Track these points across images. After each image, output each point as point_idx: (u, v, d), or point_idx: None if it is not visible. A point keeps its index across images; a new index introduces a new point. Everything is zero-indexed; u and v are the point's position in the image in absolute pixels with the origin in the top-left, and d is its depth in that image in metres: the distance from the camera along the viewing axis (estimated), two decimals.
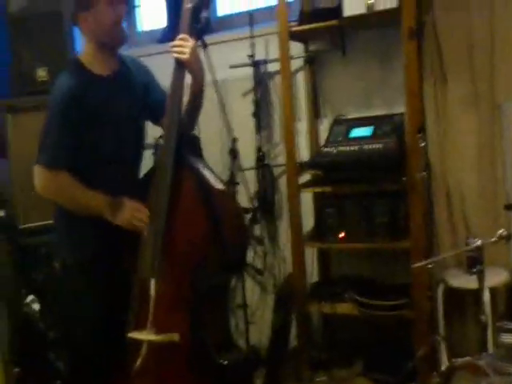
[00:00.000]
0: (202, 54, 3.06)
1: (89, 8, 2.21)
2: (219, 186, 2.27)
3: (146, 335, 2.13)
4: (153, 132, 2.68)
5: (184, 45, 2.20)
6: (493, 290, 2.68)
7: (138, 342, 2.15)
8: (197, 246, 2.16)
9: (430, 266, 2.53)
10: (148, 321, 2.14)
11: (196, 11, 2.27)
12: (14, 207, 3.29)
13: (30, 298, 3.21)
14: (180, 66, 2.23)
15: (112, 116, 2.28)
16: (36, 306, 3.21)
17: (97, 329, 2.28)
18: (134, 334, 2.16)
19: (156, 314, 2.15)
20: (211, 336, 2.21)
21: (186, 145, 2.26)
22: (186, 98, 2.30)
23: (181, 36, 2.22)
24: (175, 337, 2.11)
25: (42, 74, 3.31)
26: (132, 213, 2.19)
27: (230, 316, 3.59)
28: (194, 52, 2.22)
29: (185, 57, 2.20)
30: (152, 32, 4.00)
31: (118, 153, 2.30)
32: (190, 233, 2.18)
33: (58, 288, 2.53)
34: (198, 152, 2.35)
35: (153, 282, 2.16)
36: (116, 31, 2.26)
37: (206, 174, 2.25)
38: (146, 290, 2.17)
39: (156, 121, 2.43)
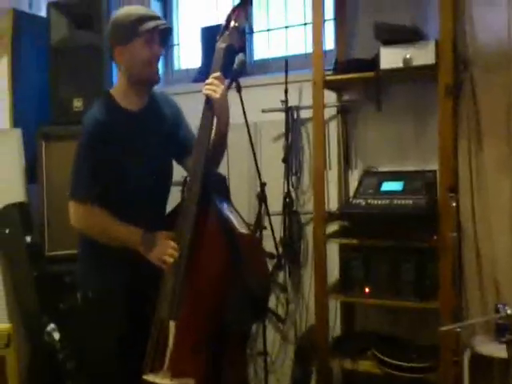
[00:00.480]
0: (236, 96, 3.13)
1: (126, 43, 2.24)
2: (243, 229, 2.24)
3: (161, 379, 2.11)
4: (181, 169, 2.66)
5: (216, 83, 2.22)
6: None
7: None
8: (218, 289, 2.14)
9: (457, 329, 2.46)
10: (164, 364, 2.12)
11: (229, 52, 2.30)
12: (42, 234, 3.33)
13: (51, 326, 3.22)
14: (209, 104, 2.24)
15: (139, 151, 2.29)
16: (56, 335, 3.21)
17: (114, 364, 2.26)
18: (150, 377, 2.14)
19: (173, 357, 2.13)
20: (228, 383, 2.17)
21: (212, 184, 2.25)
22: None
23: (214, 75, 2.24)
24: (190, 382, 2.09)
25: (77, 104, 3.39)
26: (165, 249, 2.18)
27: (250, 363, 3.54)
28: (224, 92, 2.24)
29: (215, 96, 2.21)
30: (188, 71, 4.04)
31: (144, 188, 2.30)
32: (212, 275, 2.17)
33: (78, 319, 2.52)
34: (224, 192, 2.34)
35: (172, 324, 2.14)
36: (150, 70, 2.29)
37: (231, 216, 2.24)
38: (163, 331, 2.15)
39: (180, 160, 2.44)
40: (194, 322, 2.16)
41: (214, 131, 2.29)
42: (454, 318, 2.65)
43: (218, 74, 2.25)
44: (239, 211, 3.31)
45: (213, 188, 2.24)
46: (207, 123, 2.24)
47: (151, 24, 2.24)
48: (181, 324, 2.15)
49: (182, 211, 2.22)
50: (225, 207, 2.25)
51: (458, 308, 2.71)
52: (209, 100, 2.24)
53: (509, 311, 1.99)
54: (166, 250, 2.18)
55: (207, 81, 2.25)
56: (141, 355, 2.19)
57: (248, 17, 2.44)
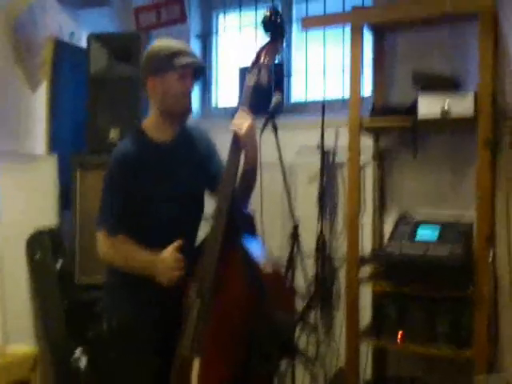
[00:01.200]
0: (272, 136, 3.17)
1: (160, 74, 2.25)
2: (268, 267, 2.19)
3: None
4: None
5: (242, 119, 2.21)
6: None
7: None
8: (241, 328, 2.10)
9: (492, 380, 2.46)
10: None
11: (257, 89, 2.27)
12: (73, 260, 3.36)
13: (78, 353, 3.25)
14: (235, 140, 2.22)
15: (168, 182, 2.29)
16: (83, 363, 3.24)
17: None
18: None
19: None
20: None
21: (238, 221, 2.22)
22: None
23: (240, 112, 2.23)
24: None
25: (113, 134, 3.43)
26: (169, 264, 2.15)
27: None
28: (250, 129, 2.21)
29: (241, 131, 2.19)
30: (226, 109, 4.09)
31: (173, 218, 2.29)
32: (235, 313, 2.11)
33: (104, 348, 2.53)
34: (251, 230, 2.30)
35: (195, 362, 2.11)
36: (181, 102, 2.29)
37: (256, 254, 2.19)
38: (185, 367, 2.12)
39: (212, 193, 2.42)
40: (214, 360, 2.12)
41: (242, 167, 2.28)
42: (488, 368, 2.65)
43: (244, 108, 2.24)
44: (272, 251, 3.37)
45: (239, 225, 2.21)
46: (234, 159, 2.22)
47: (187, 60, 2.25)
48: (204, 363, 2.11)
49: (206, 247, 2.19)
50: (250, 245, 2.20)
51: (494, 359, 2.70)
52: (236, 137, 2.22)
53: None
54: (169, 265, 2.15)
55: (234, 118, 2.25)
56: None
57: (278, 54, 2.38)
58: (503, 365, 2.83)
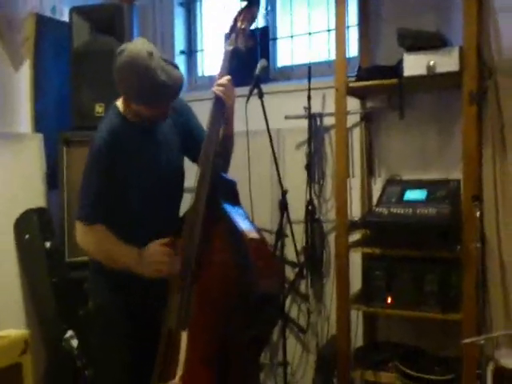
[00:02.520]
0: (258, 102, 3.12)
1: (135, 102, 2.16)
2: (252, 234, 2.17)
3: None
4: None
5: (229, 87, 2.21)
6: None
7: None
8: (226, 296, 2.07)
9: (481, 342, 2.41)
10: (173, 374, 2.07)
11: (236, 54, 2.27)
12: (62, 240, 3.32)
13: (69, 333, 3.22)
14: (219, 105, 2.21)
15: (151, 162, 2.26)
16: (74, 343, 3.21)
17: (126, 372, 2.24)
18: None
19: (183, 367, 2.07)
20: None
21: (221, 188, 2.20)
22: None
23: (226, 78, 2.22)
24: None
25: (99, 109, 3.37)
26: (156, 258, 2.14)
27: (270, 373, 3.51)
28: (231, 92, 2.23)
29: (228, 100, 2.21)
30: (212, 77, 4.02)
31: (157, 197, 2.27)
32: (220, 282, 2.10)
33: (91, 326, 2.52)
34: (234, 197, 2.27)
35: (182, 335, 2.09)
36: (156, 120, 2.25)
37: (239, 220, 2.17)
38: (172, 341, 2.11)
39: (195, 160, 2.37)
40: (204, 332, 2.10)
41: (222, 136, 2.26)
42: (477, 330, 2.60)
43: (229, 77, 2.23)
44: (261, 219, 3.33)
45: (222, 192, 2.19)
46: (216, 124, 2.20)
47: (162, 99, 2.14)
48: (192, 334, 2.09)
49: (189, 216, 2.17)
50: (234, 212, 2.19)
51: (482, 320, 2.65)
52: (218, 101, 2.20)
53: None
54: (156, 259, 2.14)
55: (220, 81, 2.21)
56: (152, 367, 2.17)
57: (255, 18, 2.34)
58: (492, 326, 2.78)
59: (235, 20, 2.30)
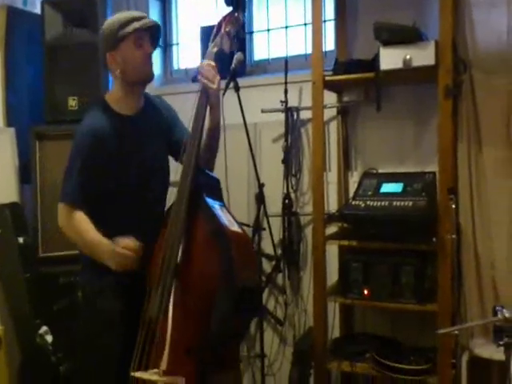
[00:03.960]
0: (234, 96, 3.12)
1: (115, 48, 2.25)
2: (233, 227, 2.21)
3: (149, 375, 2.10)
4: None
5: (213, 74, 2.24)
6: None
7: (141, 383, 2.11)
8: (207, 288, 2.10)
9: (455, 332, 2.45)
10: (152, 362, 2.11)
11: (219, 56, 2.33)
12: (36, 235, 3.28)
13: (44, 329, 3.18)
14: (204, 94, 2.24)
15: (135, 154, 2.29)
16: (49, 338, 3.18)
17: (110, 363, 2.23)
18: (137, 373, 2.12)
19: (164, 356, 2.11)
20: None
21: (204, 184, 2.23)
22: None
23: (210, 63, 2.26)
24: (179, 381, 2.07)
25: (72, 103, 3.34)
26: (118, 252, 2.12)
27: (247, 365, 3.52)
28: (219, 85, 2.27)
29: (213, 86, 2.24)
30: (187, 70, 4.03)
31: (141, 189, 2.30)
32: (201, 274, 2.13)
33: (77, 317, 2.50)
34: (216, 193, 2.31)
35: (162, 322, 2.13)
36: (144, 69, 2.30)
37: (221, 214, 2.21)
38: (153, 329, 2.13)
39: (177, 158, 2.41)
40: (182, 321, 2.14)
41: (208, 126, 2.29)
42: (452, 320, 2.65)
43: (213, 63, 2.27)
44: (238, 212, 3.32)
45: (205, 187, 2.22)
46: (201, 114, 2.24)
47: (135, 25, 2.24)
48: (174, 325, 2.13)
49: (173, 209, 2.20)
50: (216, 206, 2.22)
51: (457, 310, 2.70)
52: (204, 90, 2.25)
53: (507, 314, 1.97)
54: (117, 254, 2.12)
55: (203, 62, 2.26)
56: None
57: (240, 22, 2.42)
58: (467, 316, 2.83)
59: (220, 24, 2.37)
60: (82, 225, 2.21)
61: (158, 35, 2.39)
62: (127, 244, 2.12)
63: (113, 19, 2.30)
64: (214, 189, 2.30)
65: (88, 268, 2.31)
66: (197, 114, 2.25)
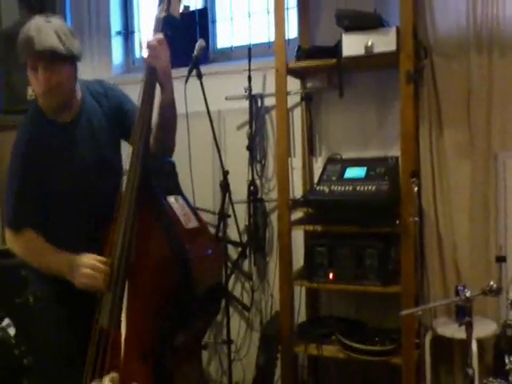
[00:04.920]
0: (198, 84, 3.12)
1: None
2: (191, 223, 2.10)
3: None
4: None
5: (159, 48, 1.99)
6: (481, 341, 2.65)
7: None
8: (161, 292, 1.99)
9: (418, 313, 2.50)
10: (106, 371, 1.97)
11: (168, 22, 2.07)
12: None
13: (6, 322, 3.14)
14: (151, 73, 2.01)
15: (74, 158, 2.13)
16: (11, 331, 3.13)
17: (66, 364, 2.17)
18: None
19: (117, 364, 1.99)
20: None
21: (156, 171, 2.11)
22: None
23: (157, 37, 1.99)
24: None
25: (31, 92, 3.24)
26: (87, 272, 2.00)
27: (214, 352, 3.54)
28: (168, 59, 2.02)
29: (158, 62, 1.99)
30: None
31: (90, 195, 2.16)
32: (154, 275, 2.00)
33: (30, 319, 2.41)
34: (172, 180, 2.22)
35: (115, 332, 2.00)
36: (47, 101, 2.06)
37: (177, 209, 2.08)
38: (105, 338, 2.00)
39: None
40: (136, 327, 2.01)
41: (160, 105, 2.07)
42: (415, 301, 2.70)
43: (160, 36, 2.00)
44: (203, 200, 3.33)
45: (157, 175, 2.10)
46: (148, 96, 2.01)
47: (29, 52, 2.01)
48: (127, 332, 2.00)
49: (121, 205, 2.02)
50: (170, 198, 2.10)
51: (420, 291, 2.75)
52: (151, 70, 2.00)
53: (468, 293, 2.01)
54: (88, 272, 2.00)
55: (149, 41, 2.00)
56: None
57: None
58: (430, 297, 2.89)
59: None
60: (36, 246, 2.11)
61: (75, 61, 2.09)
62: (93, 266, 2.00)
63: (22, 31, 2.03)
64: (170, 175, 2.20)
65: (34, 273, 2.23)
66: (144, 95, 2.01)
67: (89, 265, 2.00)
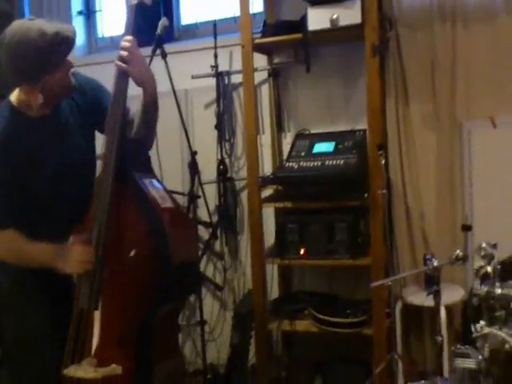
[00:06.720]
0: (162, 63, 3.08)
1: (40, 77, 1.97)
2: (165, 203, 2.10)
3: (83, 371, 1.97)
4: None
5: (130, 51, 2.01)
6: (449, 307, 2.69)
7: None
8: (141, 272, 2.00)
9: (388, 283, 2.52)
10: (86, 355, 1.99)
11: (141, 8, 2.09)
12: None
13: None
14: (122, 74, 2.04)
15: (51, 153, 2.10)
16: None
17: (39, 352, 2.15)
18: (70, 371, 1.98)
19: (97, 347, 2.00)
20: (158, 369, 2.07)
21: (130, 157, 2.09)
22: (138, 111, 2.15)
23: (126, 39, 2.02)
24: (117, 370, 1.97)
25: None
26: (78, 258, 2.02)
27: (187, 334, 3.53)
28: (139, 58, 2.06)
29: (124, 66, 2.02)
30: (113, 38, 3.90)
31: (66, 185, 2.14)
32: (133, 257, 2.01)
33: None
34: (145, 164, 2.20)
35: (95, 314, 2.01)
36: (69, 87, 2.08)
37: (151, 189, 2.09)
38: (84, 322, 2.02)
39: None
40: (115, 309, 2.03)
41: (141, 103, 2.12)
42: (385, 271, 2.73)
43: (129, 38, 2.03)
44: (172, 181, 3.30)
45: (130, 161, 2.08)
46: (119, 97, 2.04)
47: (65, 48, 2.00)
48: (106, 314, 2.01)
49: (95, 196, 2.05)
50: (146, 181, 2.10)
51: (390, 262, 2.78)
52: (120, 72, 2.03)
53: (436, 263, 2.04)
54: (78, 258, 2.01)
55: (122, 44, 2.02)
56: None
57: None
58: (400, 267, 2.92)
59: None
60: (16, 241, 2.07)
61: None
62: (82, 252, 2.01)
63: (35, 33, 1.93)
64: (144, 160, 2.20)
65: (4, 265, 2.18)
66: (114, 98, 2.04)
67: (78, 252, 2.01)
